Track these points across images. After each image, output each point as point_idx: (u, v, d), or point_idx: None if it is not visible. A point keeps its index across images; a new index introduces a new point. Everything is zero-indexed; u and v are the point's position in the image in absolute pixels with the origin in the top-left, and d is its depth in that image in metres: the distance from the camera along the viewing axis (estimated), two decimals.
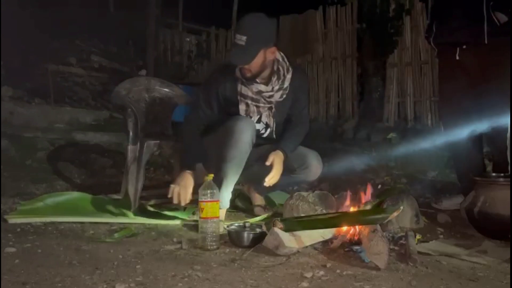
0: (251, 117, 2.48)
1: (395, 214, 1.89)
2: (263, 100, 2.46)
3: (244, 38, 2.23)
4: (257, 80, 2.40)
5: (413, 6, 5.73)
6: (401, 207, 1.99)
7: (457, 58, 2.73)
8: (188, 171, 2.33)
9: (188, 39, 9.02)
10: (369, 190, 2.25)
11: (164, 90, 2.89)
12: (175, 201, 2.27)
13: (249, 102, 2.46)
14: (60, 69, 6.85)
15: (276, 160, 2.39)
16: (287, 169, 2.49)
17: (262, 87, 2.42)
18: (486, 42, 2.60)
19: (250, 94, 2.44)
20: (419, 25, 5.68)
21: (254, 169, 2.54)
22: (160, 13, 8.26)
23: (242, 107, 2.47)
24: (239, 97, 2.45)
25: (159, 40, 8.68)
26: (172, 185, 2.29)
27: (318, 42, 6.77)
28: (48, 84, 5.89)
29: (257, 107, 2.47)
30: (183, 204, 2.28)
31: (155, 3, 7.91)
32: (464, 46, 2.70)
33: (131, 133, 2.83)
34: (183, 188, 2.27)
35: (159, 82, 2.93)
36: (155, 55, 8.12)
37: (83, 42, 7.90)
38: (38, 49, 6.73)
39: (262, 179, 2.40)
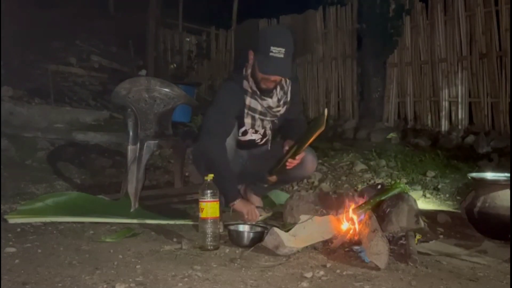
0: (256, 131, 2.48)
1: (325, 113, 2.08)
2: (270, 113, 2.45)
3: (283, 50, 2.21)
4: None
5: (413, 6, 5.73)
6: (325, 111, 2.17)
7: None
8: (240, 200, 2.35)
9: (188, 39, 9.04)
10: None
11: (164, 90, 2.88)
12: (251, 221, 2.31)
13: (257, 116, 2.43)
14: (60, 69, 6.85)
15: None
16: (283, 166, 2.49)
17: (271, 102, 2.40)
18: None
19: (259, 108, 2.41)
20: (419, 25, 5.68)
21: (250, 171, 2.54)
22: (160, 13, 8.28)
23: (248, 121, 2.44)
24: (246, 111, 2.41)
25: (159, 40, 8.69)
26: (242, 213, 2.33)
27: (318, 42, 6.77)
28: (48, 84, 5.90)
29: (262, 120, 2.46)
30: (256, 220, 2.33)
31: (155, 3, 7.92)
32: None
33: (131, 133, 2.83)
34: (251, 209, 2.33)
35: (159, 82, 2.92)
36: (155, 55, 8.13)
37: (83, 42, 7.91)
38: (38, 49, 6.74)
39: (258, 180, 2.39)
